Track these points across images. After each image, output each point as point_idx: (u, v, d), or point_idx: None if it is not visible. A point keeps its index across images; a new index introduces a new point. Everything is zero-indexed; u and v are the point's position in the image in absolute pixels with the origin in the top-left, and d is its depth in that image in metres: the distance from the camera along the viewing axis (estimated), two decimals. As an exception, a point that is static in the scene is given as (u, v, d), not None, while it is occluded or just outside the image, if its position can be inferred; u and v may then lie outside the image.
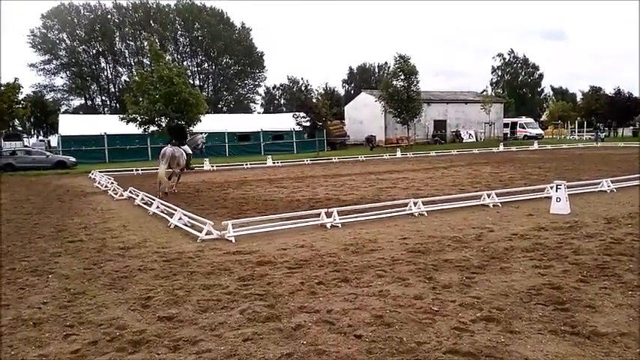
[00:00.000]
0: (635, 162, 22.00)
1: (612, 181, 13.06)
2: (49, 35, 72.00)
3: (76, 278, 6.32)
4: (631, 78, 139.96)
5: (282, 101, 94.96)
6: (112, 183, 17.98)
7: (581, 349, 3.85)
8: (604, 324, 4.29)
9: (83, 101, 78.62)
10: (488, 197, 11.11)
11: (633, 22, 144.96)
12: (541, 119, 77.46)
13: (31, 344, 4.32)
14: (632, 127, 61.71)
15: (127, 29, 76.23)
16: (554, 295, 5.05)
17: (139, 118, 31.82)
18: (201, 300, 5.29)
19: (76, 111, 72.02)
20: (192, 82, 64.30)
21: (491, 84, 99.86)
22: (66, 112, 67.64)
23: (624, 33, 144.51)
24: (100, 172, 24.42)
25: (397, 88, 43.69)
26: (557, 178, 12.26)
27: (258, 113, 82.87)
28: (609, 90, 60.73)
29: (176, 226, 9.67)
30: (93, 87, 78.69)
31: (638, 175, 14.17)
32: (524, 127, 60.30)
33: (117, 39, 76.70)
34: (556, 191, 9.94)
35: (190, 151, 16.80)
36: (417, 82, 44.15)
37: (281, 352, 3.97)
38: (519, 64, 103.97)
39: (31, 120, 64.04)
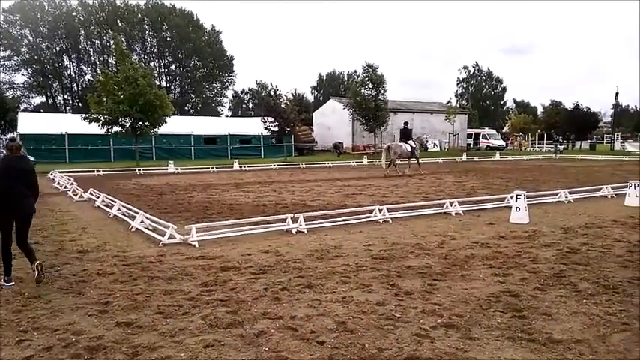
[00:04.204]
0: (591, 174, 22.81)
1: (569, 193, 13.50)
2: (11, 31, 69.57)
3: (31, 282, 6.11)
4: (590, 93, 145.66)
5: (251, 105, 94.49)
6: (72, 184, 17.46)
7: (537, 356, 3.95)
8: (559, 331, 4.42)
9: (44, 99, 76.19)
10: (451, 206, 11.32)
11: (593, 39, 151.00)
12: (503, 131, 79.54)
13: (-20, 350, 4.14)
14: (589, 141, 64.04)
15: (92, 27, 74.44)
16: (512, 303, 5.17)
17: (102, 118, 31.16)
18: (162, 305, 5.19)
19: (36, 109, 69.76)
20: (158, 83, 63.31)
21: (455, 95, 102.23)
22: (26, 110, 65.35)
23: (584, 50, 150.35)
24: (59, 172, 23.72)
25: (365, 96, 44.14)
26: (517, 189, 12.58)
27: (226, 117, 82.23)
28: (569, 104, 63.10)
29: (137, 229, 9.47)
30: (55, 85, 76.42)
31: (593, 187, 14.71)
32: (486, 139, 61.85)
33: (82, 37, 74.78)
34: (516, 201, 10.20)
35: (415, 145, 23.86)
36: (385, 91, 44.73)
37: (242, 359, 3.93)
38: (484, 77, 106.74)
39: (-12, 117, 61.68)
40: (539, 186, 17.16)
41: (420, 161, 24.89)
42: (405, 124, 25.29)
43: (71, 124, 37.78)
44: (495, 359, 3.90)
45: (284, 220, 9.38)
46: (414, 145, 23.80)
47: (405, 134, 24.36)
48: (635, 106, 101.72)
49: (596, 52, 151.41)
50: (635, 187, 12.47)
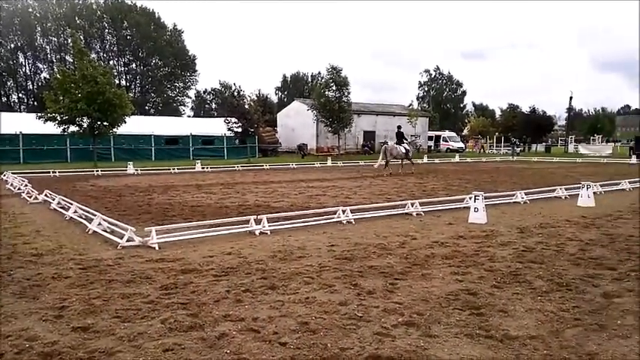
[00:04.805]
0: (546, 176, 23.58)
1: (525, 193, 13.92)
2: (-40, 26, 66.67)
3: (-19, 287, 5.86)
4: (545, 97, 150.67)
5: (214, 106, 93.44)
6: (26, 185, 16.84)
7: (494, 352, 4.05)
8: (515, 327, 4.55)
9: (-3, 98, 73.32)
10: (412, 206, 11.49)
11: (549, 45, 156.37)
12: (463, 133, 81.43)
13: None
14: (544, 143, 66.27)
15: (49, 24, 72.04)
16: (470, 301, 5.29)
17: (58, 118, 30.18)
18: (120, 309, 5.07)
19: (-12, 108, 66.96)
20: (118, 82, 61.87)
21: (417, 98, 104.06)
22: (-24, 108, 62.69)
23: (541, 55, 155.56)
24: (13, 173, 22.83)
25: (329, 98, 44.35)
26: (475, 189, 12.88)
27: (188, 117, 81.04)
28: (525, 108, 65.24)
29: (95, 232, 9.22)
30: (9, 83, 73.62)
31: (548, 188, 15.21)
32: (447, 141, 63.17)
33: (38, 34, 72.28)
34: (474, 202, 10.44)
35: (409, 148, 26.18)
36: (349, 93, 45.08)
37: (203, 362, 3.88)
38: (444, 81, 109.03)
39: None
40: (496, 187, 17.62)
41: (413, 161, 27.48)
42: (399, 127, 27.43)
43: (26, 123, 36.43)
44: (454, 356, 3.98)
45: (247, 222, 9.31)
46: (407, 148, 26.06)
47: (399, 136, 26.35)
48: (589, 110, 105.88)
49: (552, 58, 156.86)
50: (587, 188, 12.96)
